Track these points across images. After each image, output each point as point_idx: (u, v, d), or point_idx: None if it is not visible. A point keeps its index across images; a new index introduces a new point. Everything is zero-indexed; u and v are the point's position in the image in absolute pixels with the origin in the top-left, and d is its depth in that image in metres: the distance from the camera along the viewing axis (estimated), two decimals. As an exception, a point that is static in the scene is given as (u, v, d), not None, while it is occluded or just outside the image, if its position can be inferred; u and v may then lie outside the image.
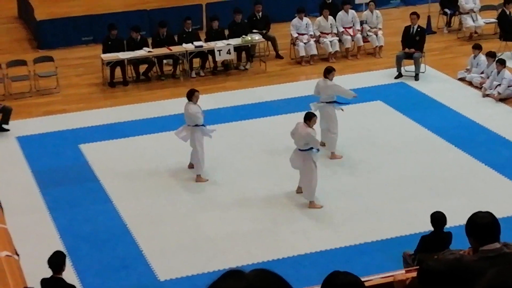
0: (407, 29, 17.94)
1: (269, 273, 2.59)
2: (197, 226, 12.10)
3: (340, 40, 18.98)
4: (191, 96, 13.32)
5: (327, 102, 13.93)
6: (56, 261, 9.29)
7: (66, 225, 12.20)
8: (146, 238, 11.78)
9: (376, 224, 11.95)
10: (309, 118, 12.37)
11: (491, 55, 16.98)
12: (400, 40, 17.97)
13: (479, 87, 16.83)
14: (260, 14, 19.25)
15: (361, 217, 12.18)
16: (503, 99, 16.28)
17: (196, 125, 13.26)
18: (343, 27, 19.05)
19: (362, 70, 18.19)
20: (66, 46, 19.82)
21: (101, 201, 12.87)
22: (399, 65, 17.69)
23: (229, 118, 15.73)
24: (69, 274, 10.19)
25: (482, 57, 17.18)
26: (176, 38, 18.17)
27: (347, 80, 17.16)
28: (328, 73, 13.97)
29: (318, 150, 12.51)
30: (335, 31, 19.00)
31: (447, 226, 9.87)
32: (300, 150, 12.38)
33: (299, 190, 12.80)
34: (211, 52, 17.92)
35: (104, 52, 17.63)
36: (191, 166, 13.67)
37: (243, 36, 18.16)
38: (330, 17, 18.97)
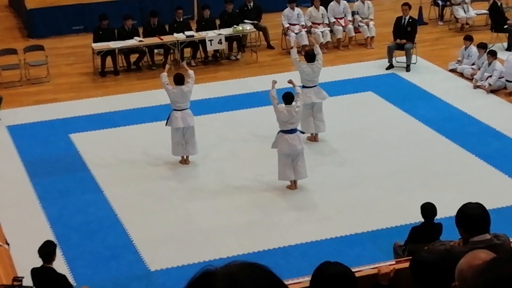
0: (398, 20, 17.93)
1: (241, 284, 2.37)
2: (188, 216, 12.09)
3: (331, 31, 18.96)
4: (183, 81, 13.25)
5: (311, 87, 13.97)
6: (47, 250, 9.25)
7: (57, 215, 12.17)
8: (136, 228, 11.76)
9: (366, 215, 11.95)
10: (290, 100, 12.45)
11: (482, 46, 16.99)
12: (392, 31, 17.96)
13: (470, 78, 16.85)
14: (252, 4, 19.21)
15: (351, 208, 12.18)
16: (494, 91, 16.30)
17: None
18: (335, 18, 19.03)
19: (353, 61, 18.17)
20: (57, 35, 19.75)
21: (92, 191, 12.84)
22: (390, 56, 17.68)
23: (220, 108, 15.70)
24: (59, 264, 10.17)
25: (473, 49, 17.19)
26: (167, 27, 18.13)
27: (338, 71, 17.19)
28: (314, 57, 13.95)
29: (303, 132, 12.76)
30: (326, 21, 18.98)
31: (438, 217, 9.89)
32: (297, 132, 12.44)
33: (292, 187, 12.75)
34: (202, 42, 17.88)
35: (95, 41, 17.57)
36: (183, 161, 13.58)
37: (235, 26, 18.12)
38: (322, 8, 18.95)
